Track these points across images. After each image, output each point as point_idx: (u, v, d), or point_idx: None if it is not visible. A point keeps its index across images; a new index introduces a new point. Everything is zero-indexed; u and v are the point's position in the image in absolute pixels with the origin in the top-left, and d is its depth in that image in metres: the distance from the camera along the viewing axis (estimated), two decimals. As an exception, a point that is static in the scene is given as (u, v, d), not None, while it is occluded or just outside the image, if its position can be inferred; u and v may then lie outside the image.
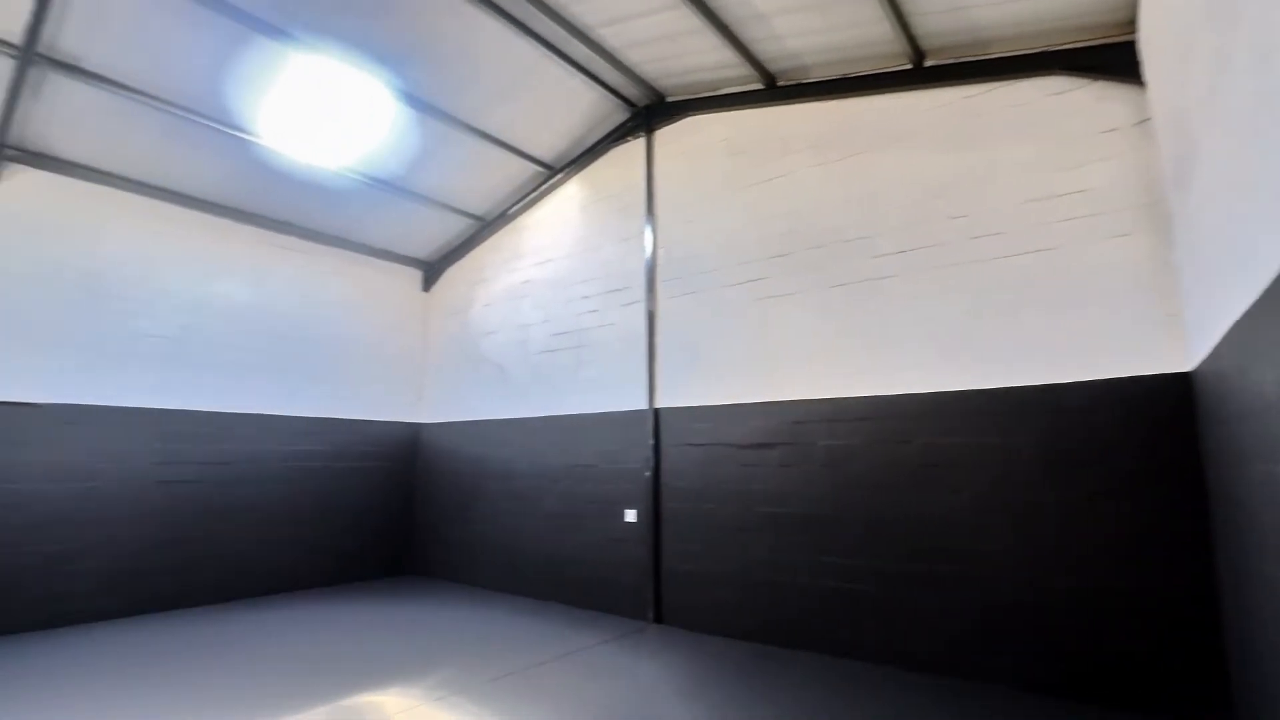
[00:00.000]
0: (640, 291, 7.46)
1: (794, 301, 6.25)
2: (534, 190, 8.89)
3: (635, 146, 7.87)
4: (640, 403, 7.24)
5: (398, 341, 10.01)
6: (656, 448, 7.00)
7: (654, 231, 7.45)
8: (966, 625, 4.97)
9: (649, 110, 7.67)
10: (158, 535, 7.32)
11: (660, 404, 7.09)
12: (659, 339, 7.23)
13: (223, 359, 8.04)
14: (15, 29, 5.50)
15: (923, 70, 5.75)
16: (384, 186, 8.34)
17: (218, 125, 6.88)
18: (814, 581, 5.76)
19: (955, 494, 5.14)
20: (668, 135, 7.58)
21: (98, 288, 7.15)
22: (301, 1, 5.80)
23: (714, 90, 7.16)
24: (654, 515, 6.87)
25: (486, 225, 9.51)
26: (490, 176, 8.62)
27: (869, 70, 6.08)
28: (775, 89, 6.69)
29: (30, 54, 5.63)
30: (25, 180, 6.78)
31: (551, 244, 8.68)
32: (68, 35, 5.68)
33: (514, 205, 9.15)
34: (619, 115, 7.87)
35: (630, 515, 7.07)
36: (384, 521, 9.48)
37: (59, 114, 6.44)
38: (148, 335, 7.46)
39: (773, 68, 6.56)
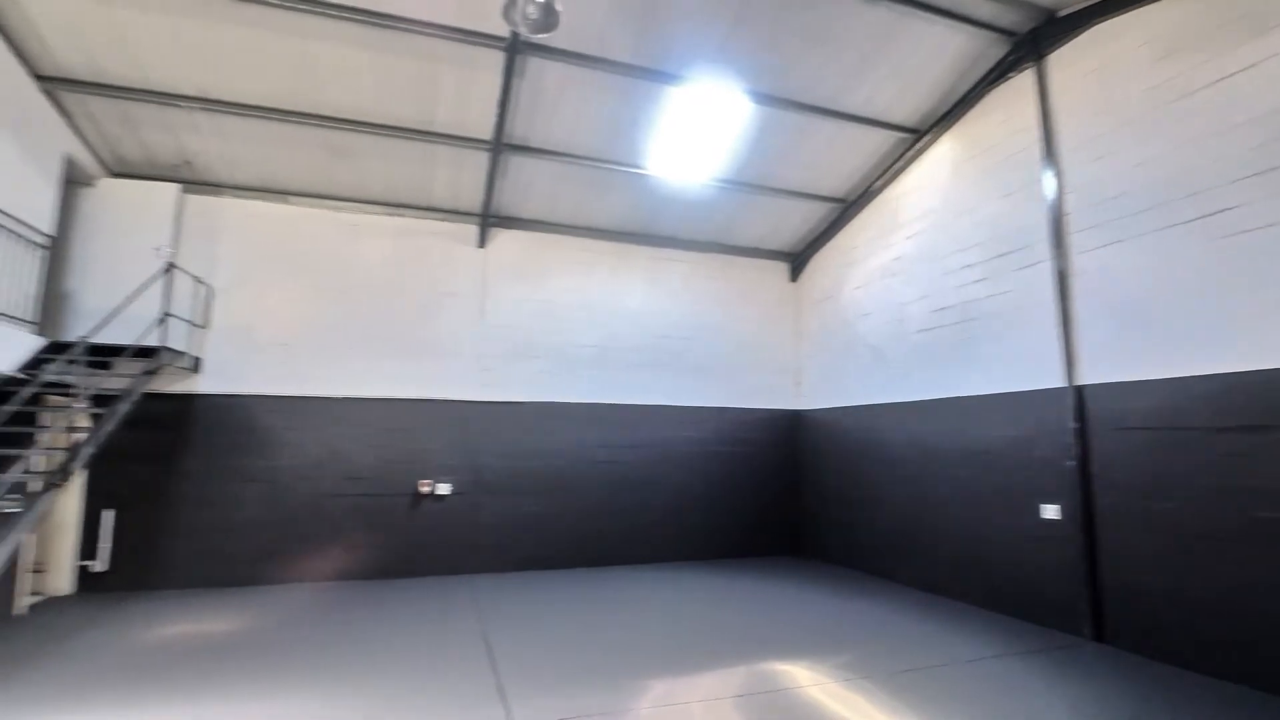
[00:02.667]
0: (1043, 249, 6.36)
1: (1293, 231, 4.56)
2: (898, 159, 8.34)
3: (1020, 82, 6.74)
4: (1053, 379, 6.17)
5: (772, 332, 10.50)
6: (1081, 432, 5.86)
7: (1057, 176, 6.27)
8: None
9: (1035, 35, 6.48)
10: (592, 505, 9.12)
11: (1083, 380, 5.92)
12: (1075, 302, 6.05)
13: (631, 360, 9.59)
14: (487, 129, 7.48)
15: None
16: (748, 188, 8.86)
17: (619, 167, 8.24)
18: (1362, 618, 4.10)
19: None
20: (1065, 57, 6.29)
21: (550, 312, 9.27)
22: (673, 42, 6.55)
23: (1131, -18, 5.68)
24: (1084, 513, 5.77)
25: (849, 206, 9.29)
26: (851, 156, 8.40)
27: None
28: (1234, -50, 4.97)
29: (498, 145, 7.60)
30: (502, 239, 9.20)
31: (922, 214, 8.04)
32: (518, 124, 7.49)
33: (877, 180, 8.73)
34: (995, 52, 6.84)
35: (1050, 511, 6.08)
36: (769, 503, 10.05)
37: (517, 185, 8.55)
38: (582, 345, 9.36)
39: (1228, -77, 4.89)
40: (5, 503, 4.70)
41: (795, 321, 10.69)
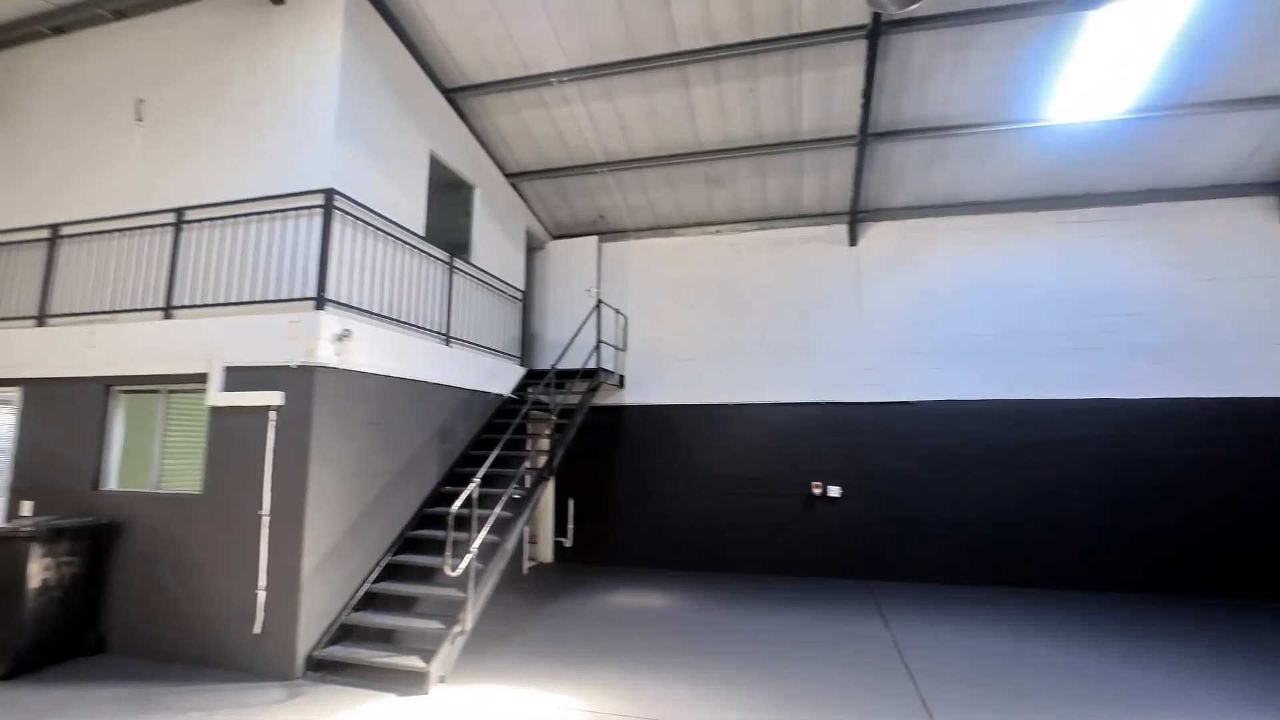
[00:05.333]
0: None
1: None
2: None
3: None
4: None
5: (1261, 293, 7.72)
6: None
7: None
8: None
9: None
10: (1001, 516, 7.97)
11: None
12: None
13: (1038, 347, 8.17)
14: (852, 123, 7.30)
15: None
16: (1203, 109, 6.76)
17: (1006, 127, 7.17)
18: None
19: None
20: None
21: (932, 303, 8.53)
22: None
23: None
24: None
25: (1396, 95, 6.34)
26: (1393, 21, 5.74)
27: None
28: None
29: (864, 136, 7.35)
30: (873, 233, 8.86)
31: None
32: (884, 110, 7.13)
33: None
34: None
35: None
36: (1257, 525, 7.38)
37: (885, 174, 8.14)
38: (974, 335, 8.35)
39: None
40: (513, 492, 6.33)
41: (1297, 273, 7.72)
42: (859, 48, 6.34)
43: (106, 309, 5.90)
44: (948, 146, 7.62)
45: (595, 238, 9.72)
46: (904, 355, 8.51)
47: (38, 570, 4.89)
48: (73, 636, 5.14)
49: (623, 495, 9.17)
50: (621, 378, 9.37)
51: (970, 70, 6.57)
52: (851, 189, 8.25)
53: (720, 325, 9.18)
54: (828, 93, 6.96)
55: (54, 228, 6.26)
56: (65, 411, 5.83)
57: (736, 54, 6.47)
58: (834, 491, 8.39)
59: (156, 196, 6.02)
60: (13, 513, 5.75)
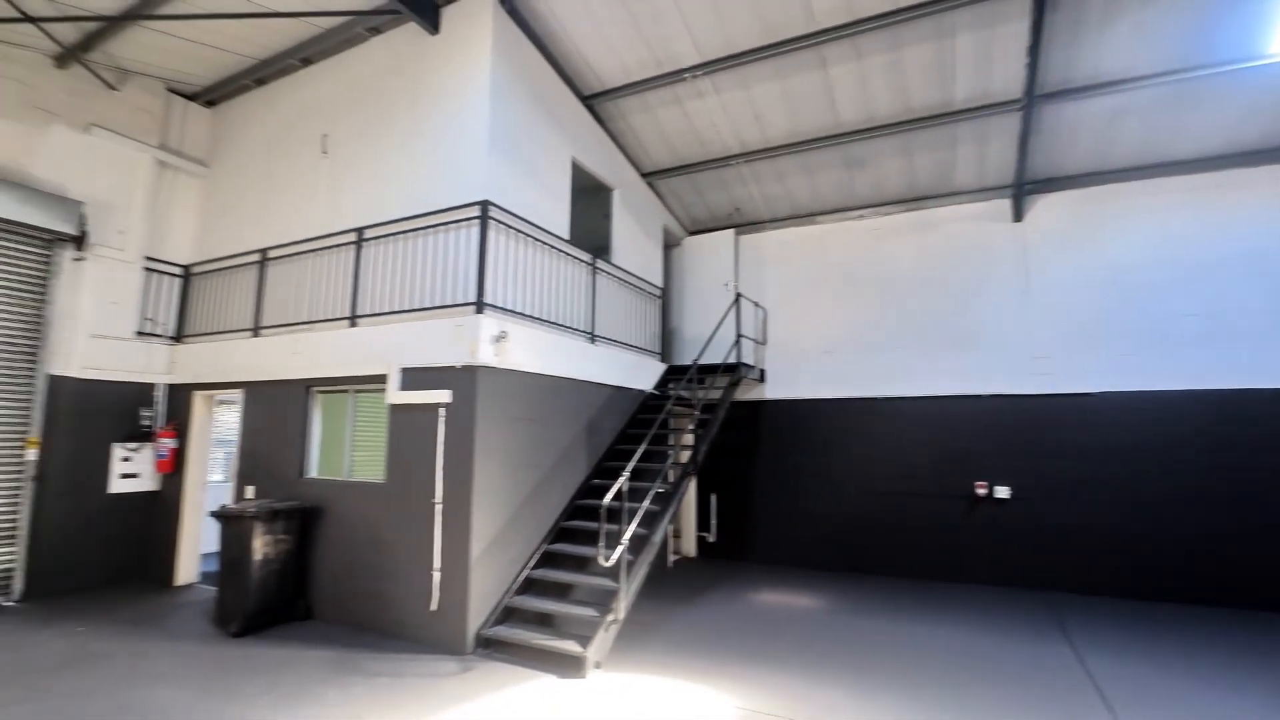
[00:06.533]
0: None
1: None
2: None
3: None
4: None
5: None
6: None
7: None
8: None
9: None
10: (1207, 525, 6.85)
11: None
12: None
13: (1251, 327, 6.96)
14: (1015, 87, 6.63)
15: None
16: None
17: (1213, 70, 6.15)
18: None
19: None
20: None
21: (1116, 280, 7.53)
22: None
23: None
24: None
25: None
26: None
27: None
28: None
29: (1030, 99, 6.63)
30: (1041, 207, 7.99)
31: None
32: (1053, 67, 6.40)
33: None
34: None
35: None
36: None
37: (1055, 139, 7.30)
38: (1179, 315, 7.26)
39: None
40: (659, 486, 6.42)
41: None
42: (1022, 0, 5.74)
43: (305, 320, 6.74)
44: (1135, 101, 6.68)
45: (731, 231, 9.62)
46: (1082, 341, 7.59)
47: (260, 545, 5.70)
48: (286, 604, 5.93)
49: (766, 491, 9.00)
50: (762, 372, 9.20)
51: (1163, 8, 5.72)
52: (1015, 159, 7.50)
53: (865, 315, 8.72)
54: (985, 55, 6.37)
55: (263, 252, 7.25)
56: (276, 409, 6.74)
57: (879, 26, 6.10)
58: (1002, 492, 7.67)
59: (341, 219, 6.78)
60: (239, 496, 6.75)
